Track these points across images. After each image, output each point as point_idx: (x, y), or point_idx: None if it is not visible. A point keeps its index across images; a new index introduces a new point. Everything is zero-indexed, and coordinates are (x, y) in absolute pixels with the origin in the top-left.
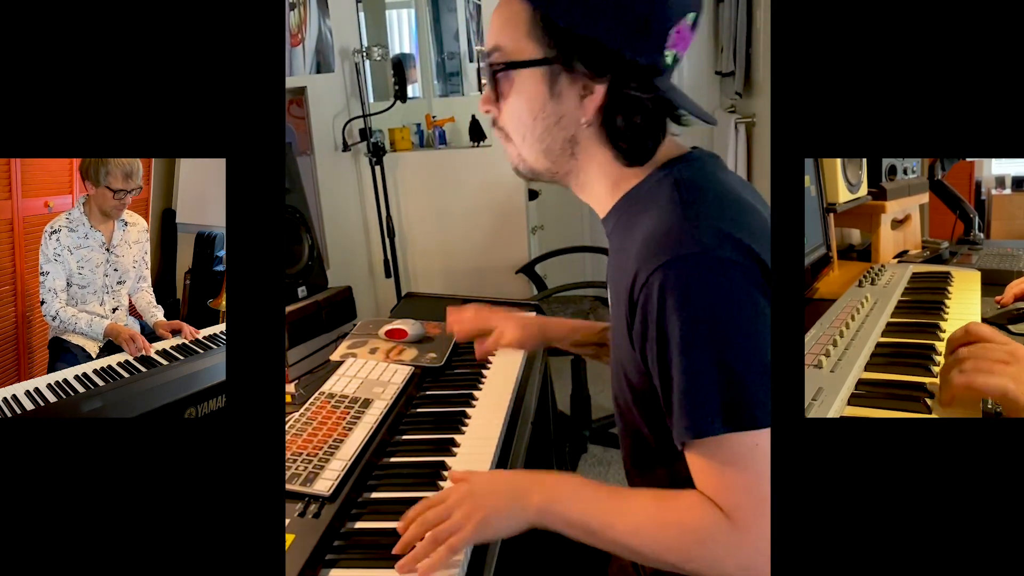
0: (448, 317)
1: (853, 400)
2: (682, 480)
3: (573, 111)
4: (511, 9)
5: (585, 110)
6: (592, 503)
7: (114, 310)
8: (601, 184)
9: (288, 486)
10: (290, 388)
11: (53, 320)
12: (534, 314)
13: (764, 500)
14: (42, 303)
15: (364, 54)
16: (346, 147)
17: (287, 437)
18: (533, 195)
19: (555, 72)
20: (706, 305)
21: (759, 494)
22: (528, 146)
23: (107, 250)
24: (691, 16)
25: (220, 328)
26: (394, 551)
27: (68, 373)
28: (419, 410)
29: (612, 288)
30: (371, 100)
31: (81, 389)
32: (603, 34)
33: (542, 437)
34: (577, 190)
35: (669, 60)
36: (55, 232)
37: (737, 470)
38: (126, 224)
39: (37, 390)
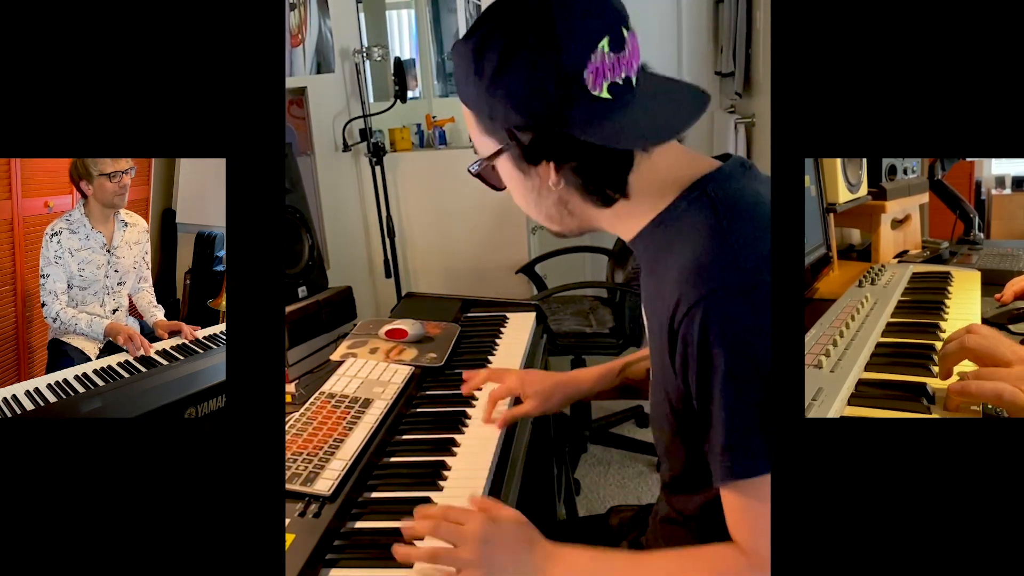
0: (466, 376)
1: (853, 400)
2: (719, 508)
3: (545, 180)
4: (465, 112)
5: (552, 175)
6: (610, 573)
7: (114, 311)
8: (620, 220)
9: (288, 486)
10: (290, 388)
11: (54, 322)
12: (547, 374)
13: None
14: (43, 305)
15: (364, 54)
16: (346, 147)
17: (287, 437)
18: None
19: (514, 154)
20: (749, 339)
21: None
22: (535, 217)
23: (108, 251)
24: (603, 43)
25: (220, 328)
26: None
27: (68, 373)
28: (419, 410)
29: (650, 314)
30: (371, 100)
31: (81, 389)
32: (515, 116)
33: (542, 437)
34: (605, 229)
35: (607, 93)
36: (56, 234)
37: (766, 509)
38: (126, 224)
39: (37, 390)
